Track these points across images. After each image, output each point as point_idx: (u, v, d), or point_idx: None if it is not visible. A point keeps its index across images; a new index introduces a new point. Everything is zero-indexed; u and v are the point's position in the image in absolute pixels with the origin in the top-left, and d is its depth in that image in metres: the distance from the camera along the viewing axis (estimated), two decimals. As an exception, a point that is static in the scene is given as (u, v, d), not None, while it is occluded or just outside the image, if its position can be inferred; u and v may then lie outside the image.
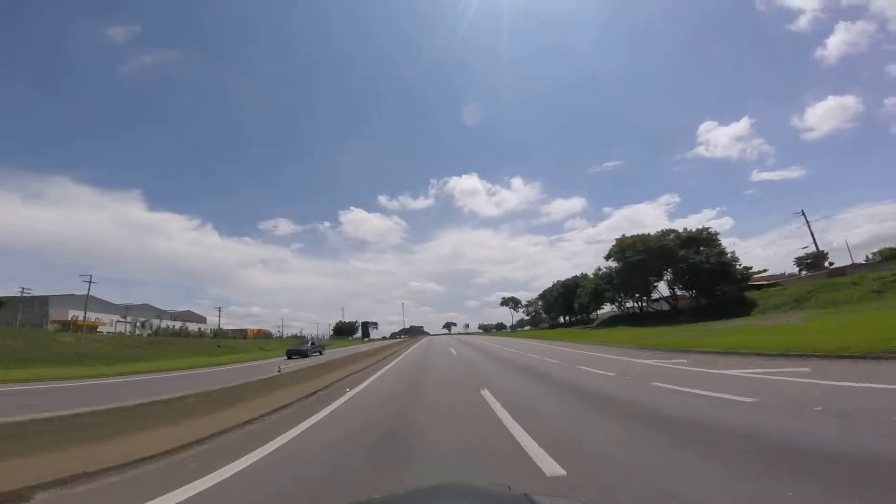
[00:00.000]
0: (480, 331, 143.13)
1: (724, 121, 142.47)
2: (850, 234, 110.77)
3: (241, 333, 65.80)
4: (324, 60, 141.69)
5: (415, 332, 73.36)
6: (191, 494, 2.98)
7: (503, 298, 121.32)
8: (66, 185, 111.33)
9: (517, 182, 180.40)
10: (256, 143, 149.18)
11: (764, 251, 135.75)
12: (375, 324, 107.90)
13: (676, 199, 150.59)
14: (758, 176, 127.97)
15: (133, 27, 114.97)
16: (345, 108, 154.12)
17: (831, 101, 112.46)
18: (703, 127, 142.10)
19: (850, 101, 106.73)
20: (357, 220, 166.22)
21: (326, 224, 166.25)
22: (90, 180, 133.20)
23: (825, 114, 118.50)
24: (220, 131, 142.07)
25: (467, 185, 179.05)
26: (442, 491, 1.42)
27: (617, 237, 46.50)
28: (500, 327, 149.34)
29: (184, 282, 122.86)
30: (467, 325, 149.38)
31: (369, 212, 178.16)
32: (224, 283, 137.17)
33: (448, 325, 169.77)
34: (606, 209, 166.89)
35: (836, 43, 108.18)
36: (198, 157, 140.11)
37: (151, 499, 2.93)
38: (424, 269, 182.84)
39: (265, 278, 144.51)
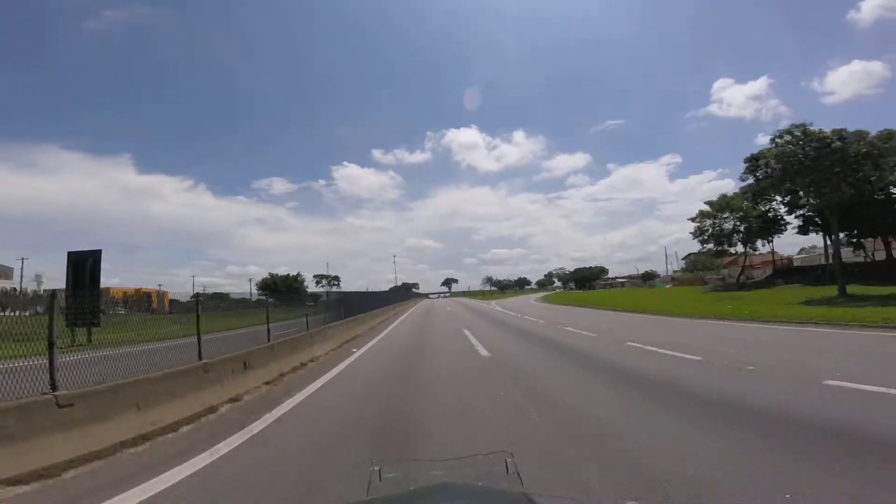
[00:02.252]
0: (492, 289, 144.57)
1: (742, 79, 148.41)
2: None
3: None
4: (316, 11, 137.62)
5: (403, 295, 65.68)
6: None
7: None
8: (56, 153, 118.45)
9: (519, 136, 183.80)
10: (247, 100, 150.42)
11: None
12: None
13: (678, 159, 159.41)
14: (763, 139, 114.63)
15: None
16: (337, 60, 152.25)
17: (856, 66, 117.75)
18: (717, 84, 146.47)
19: (876, 67, 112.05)
20: (351, 175, 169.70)
21: (321, 182, 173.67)
22: (79, 147, 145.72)
23: (848, 78, 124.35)
24: (207, 90, 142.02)
25: (466, 139, 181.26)
26: (442, 491, 1.52)
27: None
28: (521, 284, 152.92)
29: (181, 244, 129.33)
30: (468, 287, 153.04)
31: (363, 167, 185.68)
32: (221, 243, 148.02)
33: (448, 283, 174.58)
34: (610, 166, 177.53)
35: (872, 6, 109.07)
36: (186, 118, 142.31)
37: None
38: (422, 226, 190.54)
39: (262, 237, 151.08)
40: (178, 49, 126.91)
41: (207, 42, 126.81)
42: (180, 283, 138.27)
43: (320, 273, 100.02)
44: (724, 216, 40.79)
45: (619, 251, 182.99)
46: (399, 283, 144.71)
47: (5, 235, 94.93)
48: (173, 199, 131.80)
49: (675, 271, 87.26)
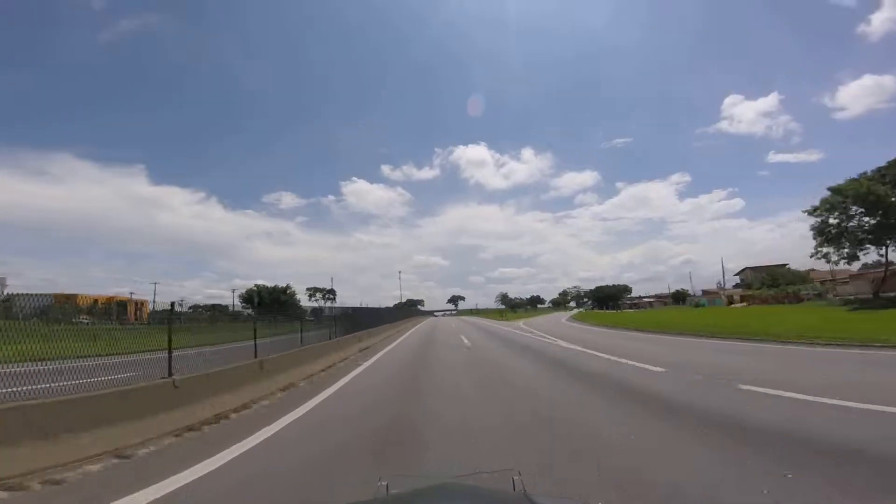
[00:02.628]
0: (503, 307, 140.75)
1: (752, 95, 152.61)
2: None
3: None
4: (324, 25, 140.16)
5: (407, 312, 65.31)
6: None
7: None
8: (68, 161, 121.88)
9: (528, 153, 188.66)
10: (257, 115, 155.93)
11: (771, 234, 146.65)
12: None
13: (687, 178, 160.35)
14: (774, 157, 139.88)
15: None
16: (347, 76, 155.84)
17: (867, 80, 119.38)
18: (728, 100, 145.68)
19: (888, 81, 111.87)
20: (359, 191, 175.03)
21: (331, 197, 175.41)
22: (91, 156, 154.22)
23: (860, 93, 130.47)
24: (220, 103, 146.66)
25: (474, 155, 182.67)
26: (442, 491, 1.63)
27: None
28: (533, 303, 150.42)
29: (189, 255, 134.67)
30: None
31: (371, 182, 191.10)
32: (228, 255, 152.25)
33: (455, 300, 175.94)
34: (619, 184, 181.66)
35: (882, 19, 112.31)
36: (199, 131, 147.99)
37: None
38: (429, 243, 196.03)
39: (269, 251, 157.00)
40: (191, 61, 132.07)
41: (218, 55, 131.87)
42: (180, 294, 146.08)
43: (315, 286, 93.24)
44: (851, 208, 31.88)
45: (628, 271, 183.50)
46: (404, 300, 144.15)
47: (12, 242, 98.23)
48: (184, 210, 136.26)
49: (723, 288, 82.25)
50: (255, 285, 75.76)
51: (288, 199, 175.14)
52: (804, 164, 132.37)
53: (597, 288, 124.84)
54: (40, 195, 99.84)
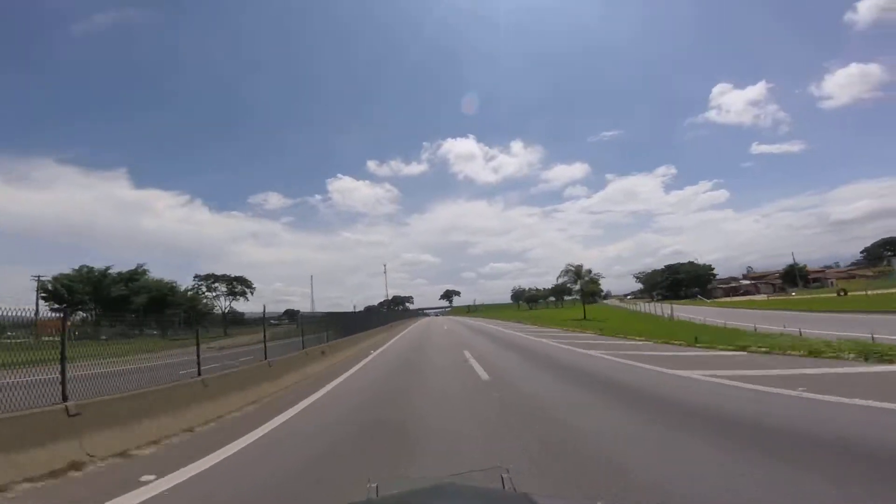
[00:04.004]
0: (514, 303, 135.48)
1: (740, 84, 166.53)
2: (846, 210, 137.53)
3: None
4: (308, 20, 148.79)
5: (390, 315, 55.27)
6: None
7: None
8: (50, 167, 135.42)
9: (517, 146, 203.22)
10: (241, 114, 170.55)
11: (756, 224, 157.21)
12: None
13: (673, 170, 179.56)
14: (757, 148, 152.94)
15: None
16: (333, 71, 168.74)
17: (854, 69, 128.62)
18: (716, 89, 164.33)
19: (874, 70, 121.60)
20: (345, 188, 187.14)
21: (317, 197, 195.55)
22: (73, 160, 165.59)
23: (846, 81, 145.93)
24: (203, 104, 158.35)
25: (463, 149, 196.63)
26: (440, 491, 1.68)
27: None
28: (560, 294, 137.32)
29: (174, 259, 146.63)
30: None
31: (358, 179, 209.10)
32: (215, 258, 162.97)
33: (448, 296, 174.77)
34: (609, 176, 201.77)
35: (869, 7, 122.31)
36: (182, 133, 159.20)
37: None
38: (419, 240, 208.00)
39: (256, 252, 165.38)
40: (174, 61, 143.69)
41: (199, 54, 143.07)
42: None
43: (213, 273, 70.43)
44: None
45: (616, 264, 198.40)
46: (390, 297, 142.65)
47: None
48: (168, 213, 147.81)
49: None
50: (78, 269, 57.28)
51: (274, 200, 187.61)
52: (787, 155, 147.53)
53: (667, 267, 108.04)
54: (24, 201, 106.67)
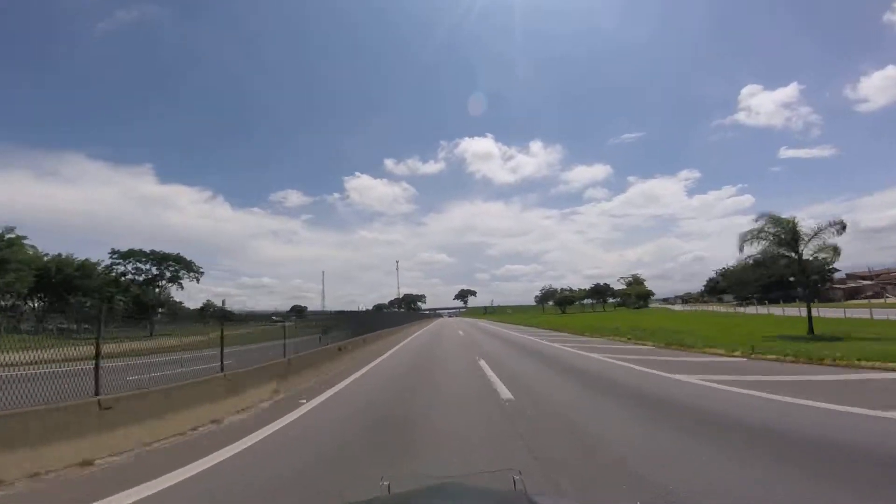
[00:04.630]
0: (548, 304, 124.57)
1: (771, 85, 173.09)
2: (878, 217, 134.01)
3: None
4: (328, 21, 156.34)
5: (388, 317, 40.67)
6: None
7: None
8: (79, 162, 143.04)
9: (536, 146, 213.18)
10: (266, 113, 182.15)
11: None
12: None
13: (697, 174, 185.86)
14: (786, 153, 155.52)
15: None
16: (352, 71, 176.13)
17: (891, 71, 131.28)
18: (745, 90, 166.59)
19: None
20: (363, 186, 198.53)
21: (336, 195, 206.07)
22: (102, 156, 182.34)
23: (883, 84, 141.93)
24: (227, 102, 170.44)
25: (480, 148, 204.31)
26: (442, 491, 1.82)
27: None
28: (601, 295, 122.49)
29: (195, 254, 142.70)
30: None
31: (375, 177, 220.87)
32: (234, 254, 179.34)
33: (463, 296, 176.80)
34: (631, 178, 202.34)
35: None
36: (206, 130, 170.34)
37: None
38: (434, 240, 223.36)
39: (275, 249, 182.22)
40: (197, 63, 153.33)
41: (223, 56, 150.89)
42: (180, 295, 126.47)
43: (135, 249, 55.57)
44: None
45: (637, 268, 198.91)
46: (401, 296, 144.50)
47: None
48: (191, 209, 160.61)
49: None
50: None
51: (294, 198, 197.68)
52: (817, 159, 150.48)
53: (757, 263, 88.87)
54: (53, 196, 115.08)
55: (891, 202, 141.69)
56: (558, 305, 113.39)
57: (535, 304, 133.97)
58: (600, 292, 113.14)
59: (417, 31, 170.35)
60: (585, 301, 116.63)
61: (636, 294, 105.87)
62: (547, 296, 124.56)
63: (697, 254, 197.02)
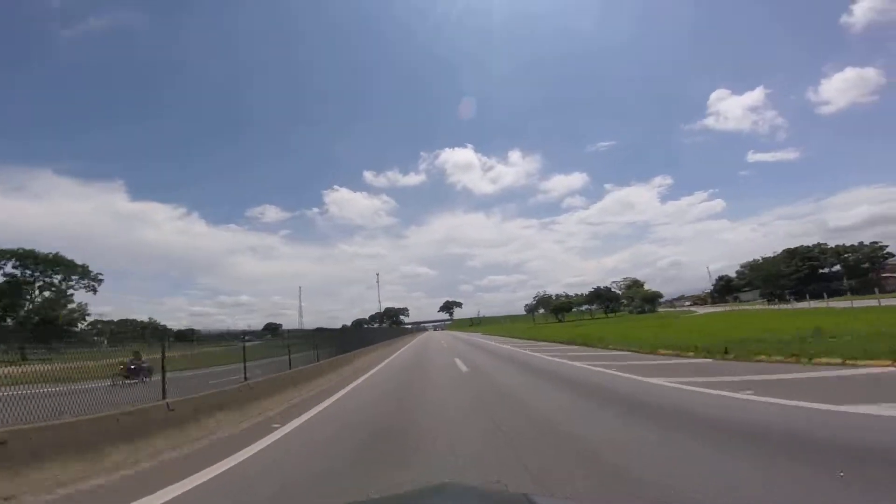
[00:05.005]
0: (538, 312, 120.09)
1: (738, 90, 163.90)
2: (844, 216, 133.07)
3: None
4: (306, 29, 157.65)
5: (369, 334, 38.34)
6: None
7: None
8: (48, 178, 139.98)
9: (515, 155, 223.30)
10: (241, 126, 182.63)
11: (753, 233, 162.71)
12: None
13: (669, 180, 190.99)
14: (754, 157, 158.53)
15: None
16: (330, 81, 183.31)
17: (850, 73, 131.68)
18: (714, 95, 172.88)
19: (870, 74, 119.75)
20: (342, 199, 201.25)
21: (315, 210, 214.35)
22: (71, 172, 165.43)
23: (843, 86, 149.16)
24: (201, 116, 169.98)
25: (461, 158, 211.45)
26: (441, 491, 1.83)
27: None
28: (604, 300, 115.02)
29: (172, 272, 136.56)
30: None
31: (355, 190, 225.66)
32: (212, 272, 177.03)
33: (448, 308, 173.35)
34: (608, 185, 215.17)
35: (865, 9, 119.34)
36: (180, 146, 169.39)
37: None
38: (416, 253, 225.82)
39: (254, 266, 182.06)
40: (173, 74, 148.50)
41: (196, 66, 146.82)
42: (160, 312, 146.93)
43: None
44: None
45: (614, 275, 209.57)
46: (382, 310, 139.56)
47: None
48: (166, 226, 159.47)
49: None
50: None
51: (272, 213, 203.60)
52: (784, 162, 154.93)
53: (788, 252, 73.52)
54: (18, 211, 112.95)
55: (855, 201, 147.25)
56: (554, 313, 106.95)
57: (524, 313, 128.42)
58: (601, 297, 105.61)
59: (396, 46, 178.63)
60: (583, 307, 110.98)
61: (641, 297, 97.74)
62: (541, 303, 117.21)
63: (673, 259, 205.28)
